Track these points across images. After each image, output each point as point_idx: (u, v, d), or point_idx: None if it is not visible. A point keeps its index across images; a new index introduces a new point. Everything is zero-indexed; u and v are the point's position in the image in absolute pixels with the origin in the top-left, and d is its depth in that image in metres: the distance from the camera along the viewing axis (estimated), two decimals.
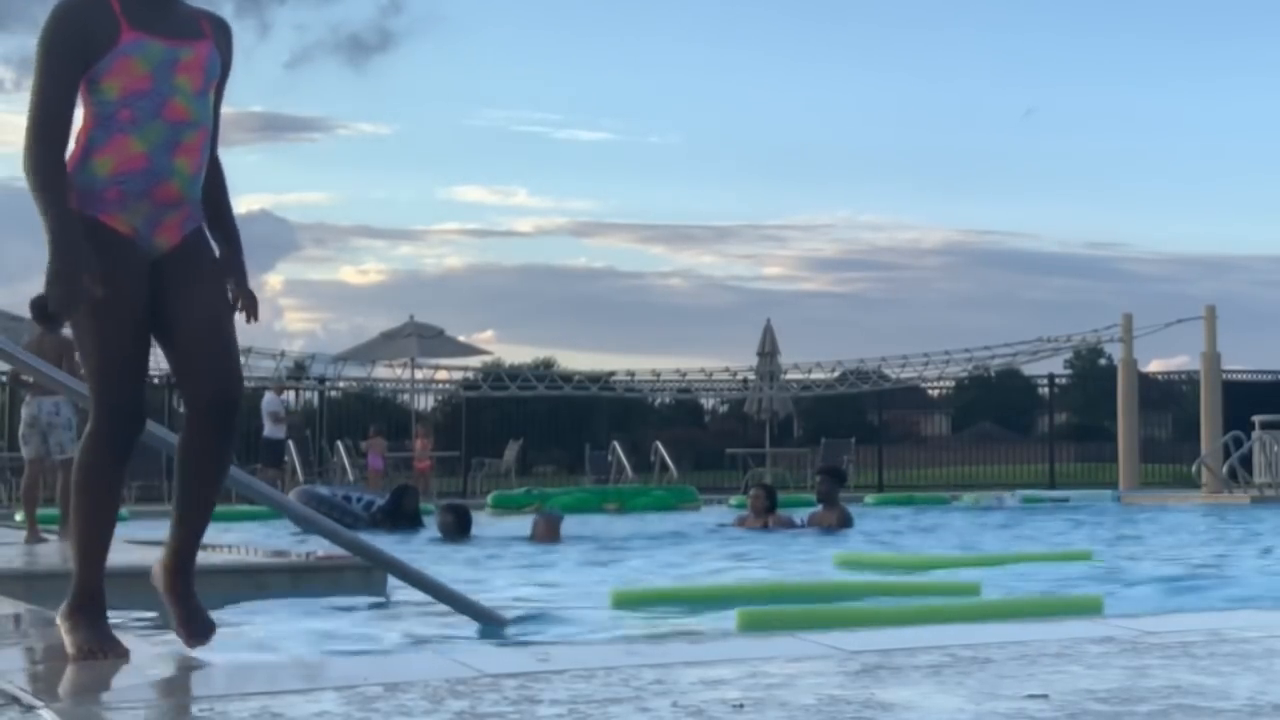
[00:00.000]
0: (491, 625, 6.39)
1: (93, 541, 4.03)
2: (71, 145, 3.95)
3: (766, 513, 14.68)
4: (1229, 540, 13.74)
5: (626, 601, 7.57)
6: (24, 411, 11.18)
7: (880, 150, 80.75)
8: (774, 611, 6.27)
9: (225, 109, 4.19)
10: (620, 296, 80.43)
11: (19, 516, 16.98)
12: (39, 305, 11.11)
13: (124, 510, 19.44)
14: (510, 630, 6.37)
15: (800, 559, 11.44)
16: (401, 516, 15.72)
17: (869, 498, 22.64)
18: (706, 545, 13.19)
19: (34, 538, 10.87)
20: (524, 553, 12.29)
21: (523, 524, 14.53)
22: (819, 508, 15.15)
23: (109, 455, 3.98)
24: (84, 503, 4.00)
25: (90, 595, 4.05)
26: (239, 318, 4.21)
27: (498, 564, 11.08)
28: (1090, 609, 6.16)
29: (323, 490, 17.26)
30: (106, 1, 3.93)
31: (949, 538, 14.45)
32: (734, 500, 19.51)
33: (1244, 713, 3.03)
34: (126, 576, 8.01)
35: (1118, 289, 76.41)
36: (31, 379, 9.88)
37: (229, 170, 4.27)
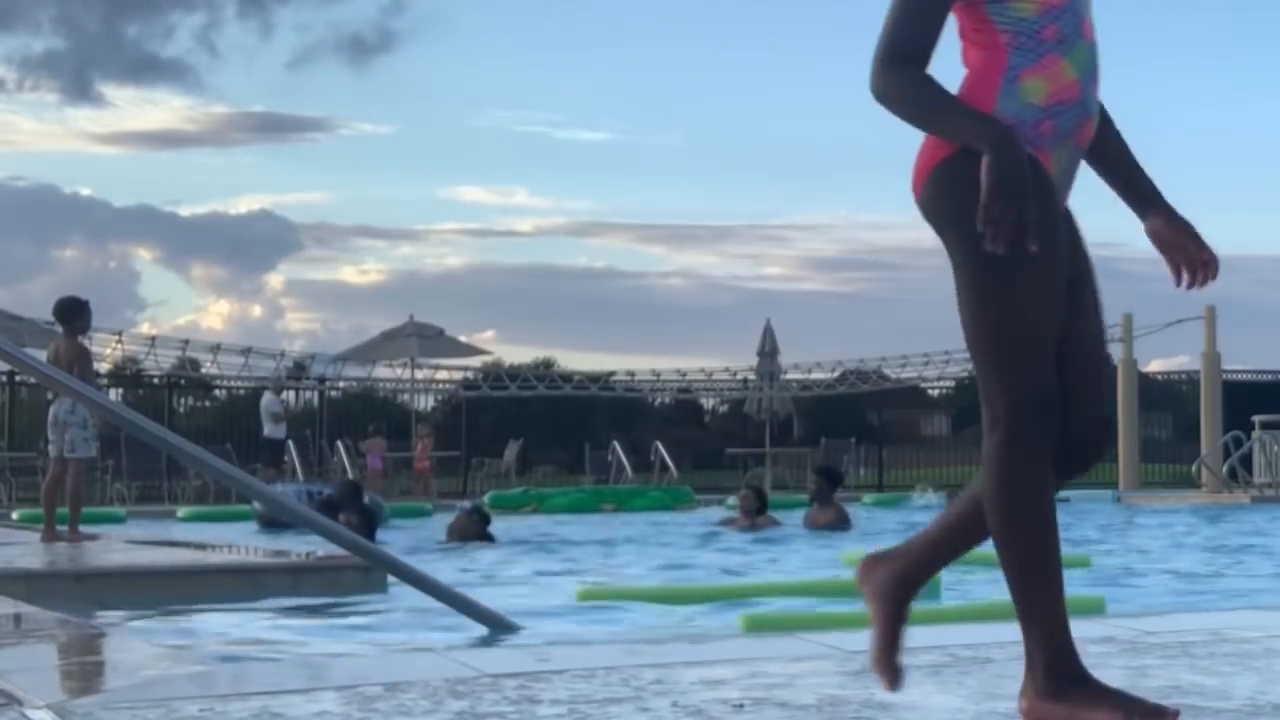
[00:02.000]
0: (491, 625, 6.39)
1: (1050, 576, 2.94)
2: (966, 76, 3.09)
3: (756, 514, 14.71)
4: (1229, 540, 13.74)
5: (591, 599, 7.70)
6: (50, 412, 11.40)
7: (881, 150, 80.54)
8: (775, 615, 6.29)
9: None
10: (620, 296, 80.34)
11: (16, 515, 17.03)
12: (60, 308, 11.21)
13: (122, 510, 19.55)
14: (507, 629, 6.37)
15: (787, 559, 11.44)
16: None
17: (867, 498, 22.65)
18: (692, 546, 13.20)
19: (51, 536, 10.89)
20: (501, 552, 12.27)
21: (519, 524, 14.52)
22: (814, 507, 15.14)
23: (1038, 459, 2.90)
24: (1022, 532, 2.94)
25: (1069, 652, 2.95)
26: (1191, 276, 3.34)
27: (478, 563, 11.06)
28: (1093, 610, 6.15)
29: (290, 488, 17.20)
30: None
31: None
32: (730, 501, 19.50)
33: (1244, 713, 3.03)
34: (127, 576, 8.05)
35: (1118, 289, 76.07)
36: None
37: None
